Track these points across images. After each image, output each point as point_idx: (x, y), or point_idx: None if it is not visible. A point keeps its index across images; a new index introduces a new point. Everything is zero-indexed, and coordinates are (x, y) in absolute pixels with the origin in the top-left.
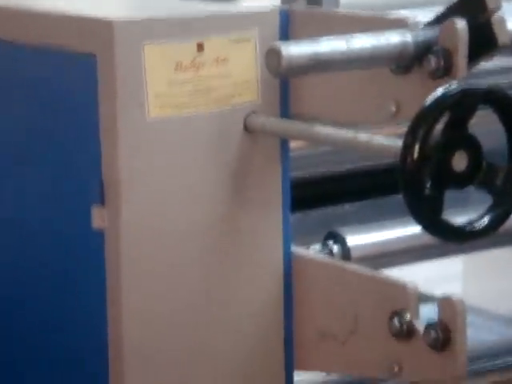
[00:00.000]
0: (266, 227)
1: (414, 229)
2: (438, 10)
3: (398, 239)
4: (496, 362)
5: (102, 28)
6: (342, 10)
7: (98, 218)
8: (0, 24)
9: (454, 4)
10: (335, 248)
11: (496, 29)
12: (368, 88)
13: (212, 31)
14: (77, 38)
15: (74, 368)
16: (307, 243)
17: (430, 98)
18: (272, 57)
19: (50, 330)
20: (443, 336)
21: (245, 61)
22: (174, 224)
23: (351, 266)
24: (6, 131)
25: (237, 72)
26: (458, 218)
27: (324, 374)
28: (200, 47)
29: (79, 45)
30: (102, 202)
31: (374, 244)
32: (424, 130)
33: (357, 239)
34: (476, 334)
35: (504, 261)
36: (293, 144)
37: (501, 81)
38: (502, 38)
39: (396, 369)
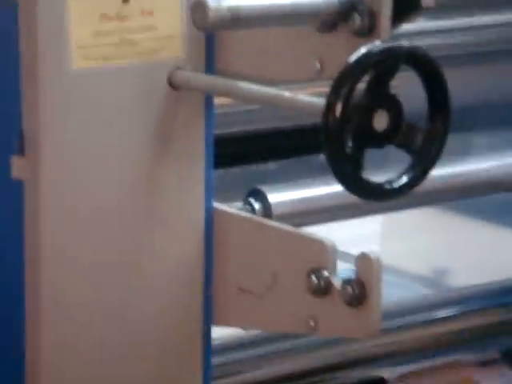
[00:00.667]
0: (188, 183)
1: (335, 188)
2: None
3: (320, 197)
4: (410, 319)
5: None
6: None
7: (18, 167)
8: None
9: None
10: (257, 205)
11: None
12: (293, 45)
13: None
14: None
15: None
16: (229, 200)
17: (353, 57)
18: (198, 9)
19: None
20: (359, 292)
21: (170, 14)
22: (95, 176)
23: (271, 223)
24: None
25: (162, 25)
26: (379, 177)
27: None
28: None
29: None
30: (21, 151)
31: (295, 202)
32: (347, 89)
33: (278, 197)
34: (392, 293)
35: (421, 221)
36: (217, 101)
37: (425, 42)
38: (424, 1)
39: (312, 324)
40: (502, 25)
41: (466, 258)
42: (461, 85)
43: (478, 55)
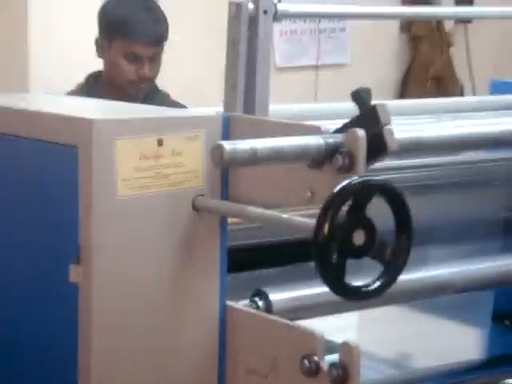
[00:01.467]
0: (206, 285)
1: (323, 289)
2: (344, 121)
3: (311, 296)
4: None
5: (83, 125)
6: (270, 118)
7: (75, 273)
8: (1, 120)
9: (356, 117)
10: (260, 302)
11: (387, 138)
12: (290, 178)
13: (170, 130)
14: (64, 133)
15: None
16: (239, 298)
17: (337, 188)
18: (216, 152)
19: (28, 372)
20: (343, 374)
21: (195, 154)
22: (134, 282)
23: (272, 317)
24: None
25: (188, 162)
26: (357, 281)
27: None
28: (160, 142)
29: (66, 138)
30: (78, 261)
31: (291, 300)
32: (332, 213)
33: (278, 296)
34: (367, 373)
35: (391, 315)
36: (230, 220)
37: (392, 176)
38: (391, 146)
39: None
40: (449, 164)
41: (424, 345)
42: (420, 209)
43: (430, 187)
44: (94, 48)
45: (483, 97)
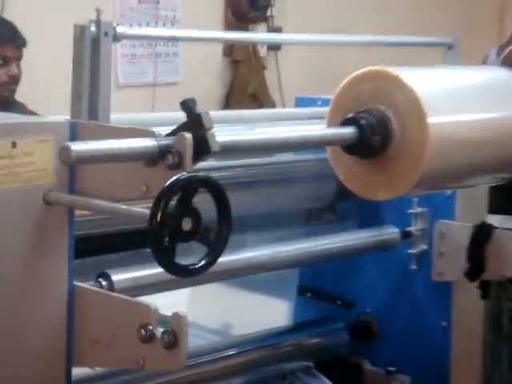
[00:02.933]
0: (57, 269)
1: (158, 270)
2: (174, 126)
3: (148, 276)
4: (208, 358)
5: None
6: (111, 124)
7: None
8: None
9: (184, 123)
10: (104, 282)
11: (210, 141)
12: (128, 175)
13: (22, 134)
14: None
15: None
16: (85, 279)
17: (168, 182)
18: (64, 152)
19: None
20: (173, 340)
21: (45, 154)
22: None
23: (114, 294)
24: None
25: (39, 162)
26: (186, 261)
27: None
28: (14, 144)
29: None
30: None
31: (131, 280)
32: (164, 203)
33: (119, 277)
34: (194, 340)
35: (214, 292)
36: (78, 212)
37: (218, 174)
38: (213, 147)
39: (141, 362)
40: (263, 164)
41: (242, 316)
42: (240, 202)
43: (248, 183)
44: None
45: (290, 109)
